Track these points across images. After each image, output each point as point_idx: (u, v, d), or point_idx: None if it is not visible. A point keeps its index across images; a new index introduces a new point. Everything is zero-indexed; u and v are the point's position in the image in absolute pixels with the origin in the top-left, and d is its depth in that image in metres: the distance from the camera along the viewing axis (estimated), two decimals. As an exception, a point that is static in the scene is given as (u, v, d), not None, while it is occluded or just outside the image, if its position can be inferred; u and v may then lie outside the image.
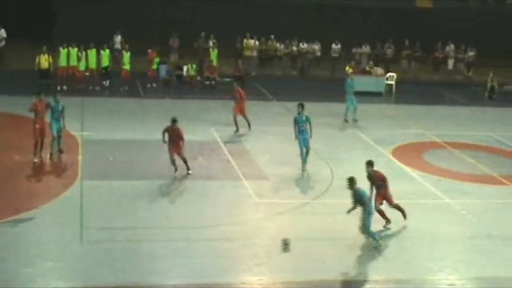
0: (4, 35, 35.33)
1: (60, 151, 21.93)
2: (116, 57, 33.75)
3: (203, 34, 37.16)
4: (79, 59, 31.98)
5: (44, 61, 31.23)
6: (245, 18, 39.16)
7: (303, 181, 21.43)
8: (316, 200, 19.71)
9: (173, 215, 18.35)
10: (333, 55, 39.16)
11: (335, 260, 16.16)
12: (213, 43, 36.32)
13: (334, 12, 40.98)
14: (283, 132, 25.85)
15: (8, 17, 35.58)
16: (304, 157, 22.05)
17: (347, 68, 34.49)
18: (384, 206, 18.00)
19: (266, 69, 38.46)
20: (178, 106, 29.96)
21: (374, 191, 17.82)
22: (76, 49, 32.02)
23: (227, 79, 33.75)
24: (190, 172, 20.99)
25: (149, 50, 33.72)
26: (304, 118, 22.19)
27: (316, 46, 39.11)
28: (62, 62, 31.94)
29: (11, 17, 35.77)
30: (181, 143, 20.81)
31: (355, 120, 28.65)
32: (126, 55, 32.88)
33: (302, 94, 32.17)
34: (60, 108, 21.76)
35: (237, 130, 26.20)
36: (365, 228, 16.59)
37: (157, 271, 15.21)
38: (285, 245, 16.36)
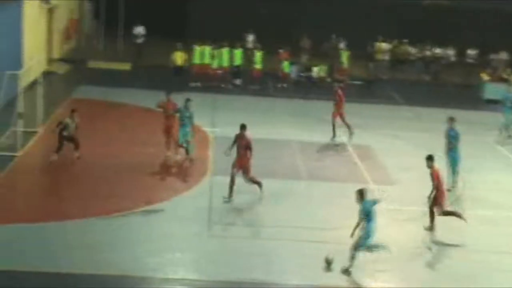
0: (143, 32, 36.76)
1: (190, 159, 21.79)
2: (248, 56, 34.31)
3: (334, 35, 37.15)
4: (212, 57, 32.81)
5: (178, 58, 32.23)
6: (377, 21, 38.84)
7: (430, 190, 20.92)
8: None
9: (298, 215, 18.47)
10: (468, 60, 38.12)
11: (458, 269, 15.91)
12: (345, 45, 36.23)
13: (470, 17, 39.84)
14: (412, 137, 25.57)
15: (146, 16, 36.91)
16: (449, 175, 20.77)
17: (482, 74, 33.44)
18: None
19: (398, 73, 37.92)
20: (306, 106, 30.17)
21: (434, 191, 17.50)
22: (209, 47, 32.87)
23: (357, 82, 33.56)
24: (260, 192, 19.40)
25: (280, 50, 34.08)
26: (453, 133, 20.92)
27: (451, 51, 38.20)
28: (196, 59, 32.85)
29: (148, 15, 37.09)
30: (248, 153, 19.09)
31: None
32: (258, 54, 33.38)
33: (434, 99, 31.73)
34: (187, 114, 21.60)
35: (334, 136, 25.02)
36: (357, 246, 15.12)
37: (277, 270, 15.36)
38: (327, 263, 15.60)
